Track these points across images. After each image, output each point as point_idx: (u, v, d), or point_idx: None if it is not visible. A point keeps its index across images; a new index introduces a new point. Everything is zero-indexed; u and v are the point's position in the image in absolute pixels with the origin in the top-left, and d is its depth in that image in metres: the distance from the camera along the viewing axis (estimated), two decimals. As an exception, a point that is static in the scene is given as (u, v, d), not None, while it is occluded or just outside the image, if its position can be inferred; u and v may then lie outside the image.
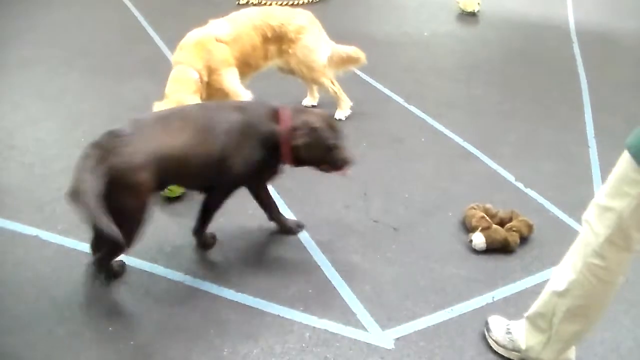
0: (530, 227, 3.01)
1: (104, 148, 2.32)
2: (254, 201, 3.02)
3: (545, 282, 2.75)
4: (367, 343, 2.41)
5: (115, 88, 4.47)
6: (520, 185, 3.50)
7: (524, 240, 2.98)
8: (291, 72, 3.98)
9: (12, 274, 2.66)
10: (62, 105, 4.20)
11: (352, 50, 4.07)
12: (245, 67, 3.67)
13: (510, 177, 3.57)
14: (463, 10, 6.60)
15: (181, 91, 3.26)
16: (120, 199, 2.32)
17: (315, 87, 4.27)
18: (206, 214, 2.79)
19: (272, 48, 3.80)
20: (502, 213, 3.08)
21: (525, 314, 2.30)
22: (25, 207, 3.08)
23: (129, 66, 4.85)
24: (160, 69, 4.73)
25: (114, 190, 2.29)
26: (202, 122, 2.55)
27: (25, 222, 2.96)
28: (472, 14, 6.59)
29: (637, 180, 1.80)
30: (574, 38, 6.09)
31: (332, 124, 2.69)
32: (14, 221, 2.96)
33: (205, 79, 3.44)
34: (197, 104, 2.67)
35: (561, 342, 2.20)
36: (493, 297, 2.67)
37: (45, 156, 3.55)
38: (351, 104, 4.10)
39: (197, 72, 3.39)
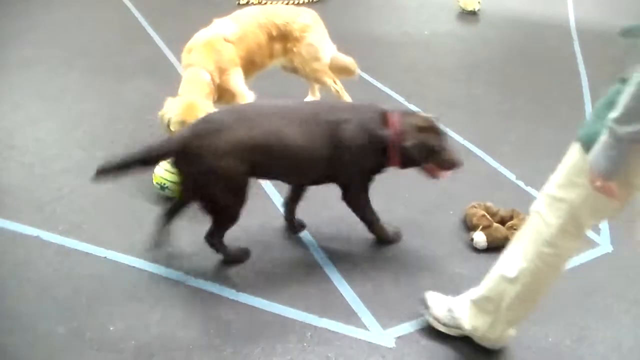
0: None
1: (194, 133, 2.47)
2: (254, 200, 3.01)
3: (546, 280, 2.77)
4: (368, 342, 2.41)
5: (116, 88, 4.47)
6: (520, 183, 3.50)
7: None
8: (295, 70, 3.98)
9: (13, 274, 2.66)
10: (62, 105, 4.20)
11: (350, 62, 4.08)
12: (251, 65, 3.67)
13: (511, 176, 3.57)
14: (463, 9, 6.60)
15: (195, 93, 3.25)
16: (204, 182, 2.48)
17: (317, 86, 4.27)
18: (362, 216, 2.86)
19: (277, 46, 3.80)
20: (502, 212, 3.08)
21: (472, 298, 2.31)
22: (25, 208, 3.08)
23: (129, 66, 4.84)
24: (160, 69, 4.75)
25: (199, 174, 2.47)
26: (310, 118, 2.60)
27: (25, 223, 2.95)
28: (473, 13, 6.58)
29: (586, 170, 1.82)
30: (575, 36, 6.09)
31: (437, 127, 2.73)
32: (14, 221, 2.96)
33: (217, 80, 3.43)
34: (307, 102, 2.68)
35: (506, 323, 2.25)
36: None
37: (46, 156, 3.55)
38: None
39: (209, 74, 3.38)
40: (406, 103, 4.40)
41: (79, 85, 4.52)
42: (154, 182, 3.13)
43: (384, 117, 2.67)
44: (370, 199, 2.83)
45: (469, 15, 6.56)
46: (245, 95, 3.55)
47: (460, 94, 4.74)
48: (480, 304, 2.28)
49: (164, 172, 3.10)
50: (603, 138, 1.69)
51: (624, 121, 1.63)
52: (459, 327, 2.37)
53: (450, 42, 5.95)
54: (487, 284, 2.24)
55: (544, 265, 2.07)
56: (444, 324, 2.41)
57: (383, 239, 2.94)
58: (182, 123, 3.11)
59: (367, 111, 2.69)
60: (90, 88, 4.48)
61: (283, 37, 3.79)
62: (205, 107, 3.17)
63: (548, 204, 2.02)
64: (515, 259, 2.13)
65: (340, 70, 4.08)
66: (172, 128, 3.19)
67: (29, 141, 3.70)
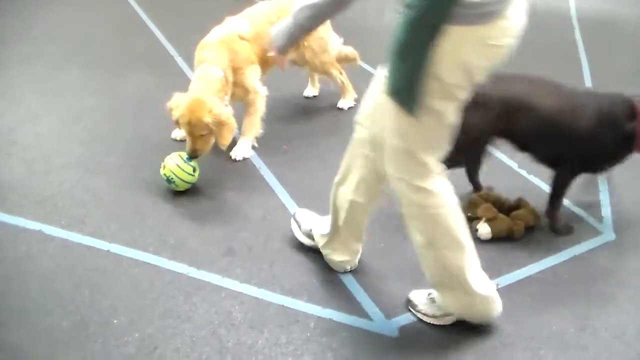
0: (537, 217, 2.99)
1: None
2: (256, 192, 3.02)
3: (549, 268, 2.78)
4: (372, 332, 2.41)
5: (115, 82, 4.46)
6: (523, 172, 3.49)
7: (530, 229, 2.97)
8: (304, 63, 3.97)
9: (16, 268, 2.67)
10: (63, 101, 4.20)
11: (350, 51, 4.15)
12: (264, 64, 3.66)
13: (513, 164, 3.56)
14: None
15: (204, 90, 3.22)
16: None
17: (317, 78, 4.28)
18: (554, 194, 2.99)
19: None
20: (510, 202, 3.07)
21: (430, 286, 2.38)
22: (27, 202, 3.08)
23: (129, 60, 4.84)
24: (160, 62, 4.74)
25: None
26: (569, 96, 2.85)
27: (27, 217, 2.96)
28: (473, 3, 6.56)
29: (405, 125, 2.03)
30: (575, 24, 6.06)
31: None
32: (16, 216, 2.97)
33: (231, 78, 3.41)
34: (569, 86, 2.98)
35: (465, 280, 2.25)
36: (497, 284, 2.66)
37: (47, 151, 3.55)
38: (355, 96, 4.10)
39: (222, 71, 3.35)
40: (407, 93, 4.40)
41: (79, 81, 4.51)
42: (162, 172, 3.13)
43: (631, 107, 2.76)
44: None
45: (469, 5, 6.53)
46: (259, 91, 3.55)
47: (461, 84, 4.73)
48: (440, 286, 2.33)
49: (175, 166, 3.10)
50: (287, 22, 2.14)
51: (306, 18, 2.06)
52: (449, 314, 2.39)
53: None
54: (424, 267, 2.31)
55: (430, 211, 2.16)
56: (433, 316, 2.42)
57: (555, 227, 3.00)
58: (189, 123, 3.10)
59: (616, 99, 2.81)
60: (90, 83, 4.48)
61: None
62: (214, 103, 3.15)
63: (395, 163, 2.16)
64: (414, 229, 2.24)
65: (342, 59, 4.10)
66: (181, 128, 3.20)
67: (30, 137, 3.70)
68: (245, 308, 2.48)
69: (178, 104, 3.17)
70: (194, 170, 3.16)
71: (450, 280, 2.27)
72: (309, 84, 4.32)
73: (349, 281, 2.65)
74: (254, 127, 3.60)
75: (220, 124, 3.14)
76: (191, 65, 4.61)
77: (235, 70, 3.44)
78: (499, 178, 3.42)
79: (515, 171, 3.51)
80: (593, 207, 3.22)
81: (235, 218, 3.02)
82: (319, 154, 3.60)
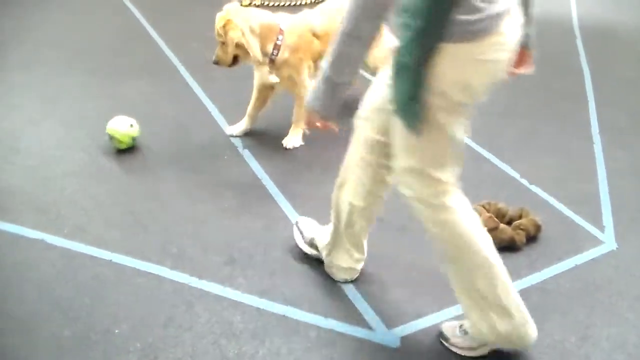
0: (538, 227, 2.99)
1: None
2: (258, 201, 3.02)
3: (550, 278, 2.77)
4: (373, 342, 2.40)
5: (117, 89, 4.46)
6: (524, 181, 3.49)
7: (531, 239, 2.97)
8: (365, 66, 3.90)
9: (17, 277, 2.66)
10: (64, 107, 4.20)
11: None
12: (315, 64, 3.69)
13: (515, 174, 3.56)
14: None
15: (251, 17, 3.41)
16: None
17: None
18: None
19: None
20: (512, 211, 3.07)
21: (462, 309, 2.30)
22: (29, 211, 3.08)
23: (130, 67, 4.84)
24: (161, 69, 4.75)
25: None
26: None
27: (29, 226, 2.96)
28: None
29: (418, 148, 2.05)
30: (577, 33, 6.07)
31: None
32: (18, 225, 2.96)
33: (286, 54, 3.50)
34: None
35: (499, 297, 2.15)
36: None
37: (49, 159, 3.55)
38: None
39: (283, 30, 3.47)
40: (408, 102, 4.40)
41: (80, 87, 4.52)
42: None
43: None
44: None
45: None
46: (307, 86, 3.57)
47: (463, 92, 4.73)
48: (470, 309, 2.23)
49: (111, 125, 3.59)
50: (321, 85, 1.98)
51: (339, 71, 1.92)
52: (484, 343, 2.28)
53: (452, 40, 5.95)
54: (455, 289, 2.24)
55: (450, 228, 2.13)
56: (469, 348, 2.32)
57: None
58: (216, 29, 3.37)
59: None
60: (92, 89, 4.49)
61: None
62: (236, 23, 3.33)
63: (409, 184, 2.17)
64: (438, 247, 2.22)
65: None
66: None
67: (32, 144, 3.70)
68: (247, 318, 2.48)
69: (220, 13, 3.43)
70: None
71: (480, 301, 2.16)
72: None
73: (351, 291, 2.64)
74: (304, 117, 3.61)
75: (226, 38, 3.36)
76: (191, 73, 4.63)
77: (294, 52, 3.50)
78: (500, 188, 3.42)
79: (517, 181, 3.51)
80: (594, 216, 3.22)
81: (237, 228, 3.02)
82: (321, 164, 3.60)
